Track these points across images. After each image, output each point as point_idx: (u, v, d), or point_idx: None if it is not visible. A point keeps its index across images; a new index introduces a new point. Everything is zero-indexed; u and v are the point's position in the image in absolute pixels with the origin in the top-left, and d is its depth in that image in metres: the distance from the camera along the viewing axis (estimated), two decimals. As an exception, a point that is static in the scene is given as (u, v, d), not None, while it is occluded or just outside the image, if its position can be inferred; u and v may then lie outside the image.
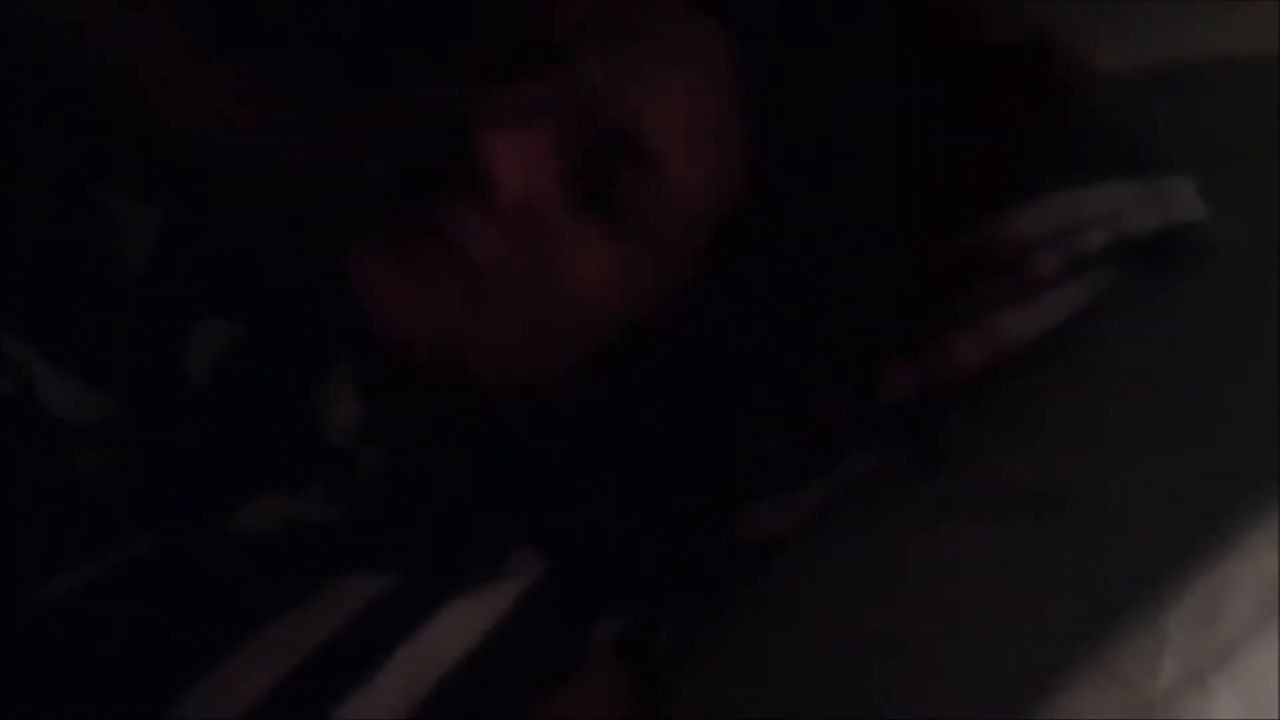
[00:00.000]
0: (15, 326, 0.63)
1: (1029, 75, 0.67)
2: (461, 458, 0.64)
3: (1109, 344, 0.69)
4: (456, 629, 0.58)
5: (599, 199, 0.60)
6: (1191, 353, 0.67)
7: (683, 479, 0.63)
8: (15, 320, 0.63)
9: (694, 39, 0.62)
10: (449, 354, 0.61)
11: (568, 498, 0.64)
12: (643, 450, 0.63)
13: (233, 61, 0.73)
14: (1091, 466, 0.62)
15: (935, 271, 0.64)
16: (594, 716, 0.62)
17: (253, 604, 0.56)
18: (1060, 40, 0.68)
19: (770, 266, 0.61)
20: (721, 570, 0.65)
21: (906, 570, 0.62)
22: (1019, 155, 0.67)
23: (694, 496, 0.64)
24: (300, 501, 0.61)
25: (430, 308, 0.60)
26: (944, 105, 0.64)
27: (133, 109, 0.70)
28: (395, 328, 0.60)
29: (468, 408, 0.64)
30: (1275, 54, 0.78)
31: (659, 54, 0.61)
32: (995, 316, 0.66)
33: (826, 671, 0.60)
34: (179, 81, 0.71)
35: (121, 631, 0.56)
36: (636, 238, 0.61)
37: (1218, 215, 0.71)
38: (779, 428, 0.64)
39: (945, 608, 0.59)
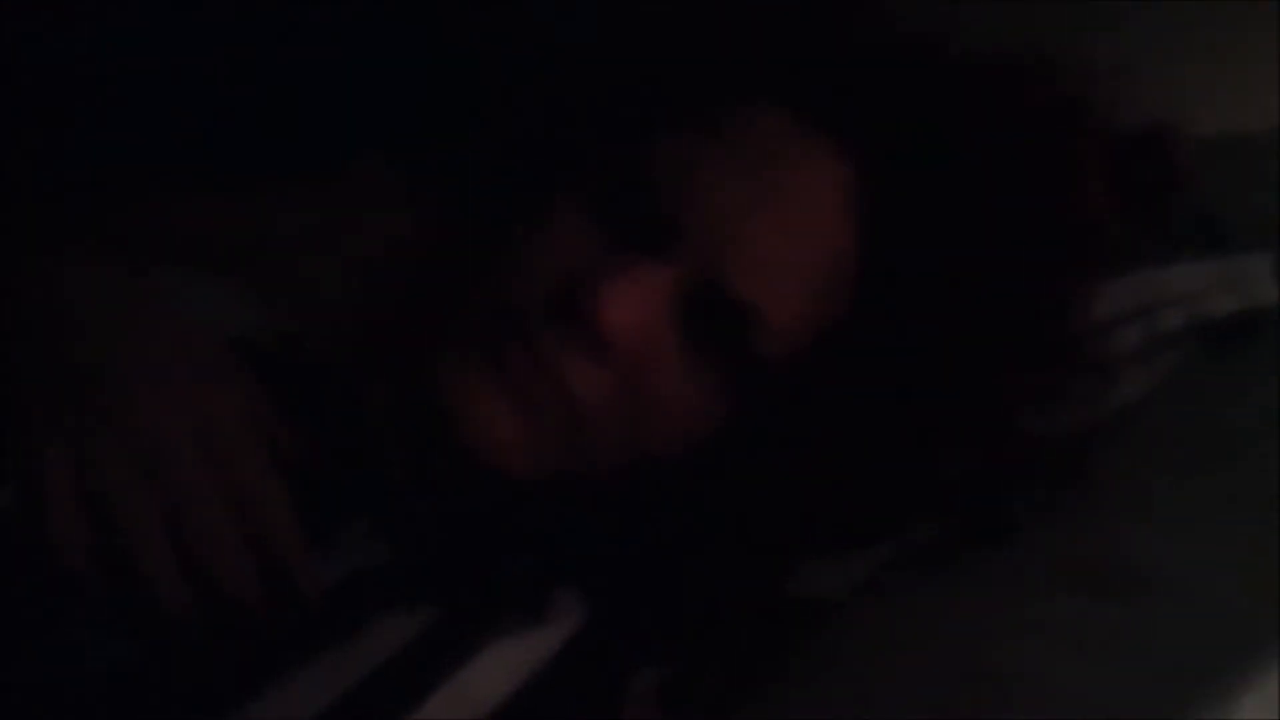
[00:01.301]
0: None
1: (1147, 174, 0.68)
2: (510, 504, 0.64)
3: (1184, 419, 0.69)
4: (497, 671, 0.58)
5: (702, 341, 0.61)
6: (1266, 429, 0.66)
7: (737, 537, 0.63)
8: None
9: (807, 174, 0.63)
10: (537, 470, 0.62)
11: (616, 548, 0.64)
12: (698, 507, 0.63)
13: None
14: (1168, 544, 0.62)
15: (1018, 372, 0.64)
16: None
17: (295, 642, 0.56)
18: (1178, 133, 0.69)
19: (854, 369, 0.62)
20: (771, 626, 0.65)
21: (979, 646, 0.60)
22: (1113, 245, 0.68)
23: (748, 553, 0.64)
24: (347, 544, 0.61)
25: (532, 436, 0.61)
26: (1058, 226, 0.64)
27: None
28: (493, 449, 0.61)
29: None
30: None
31: (773, 198, 0.62)
32: (1071, 400, 0.66)
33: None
34: None
35: (163, 664, 0.56)
36: (734, 371, 0.62)
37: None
38: (840, 494, 0.64)
39: (1012, 684, 0.57)
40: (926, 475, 0.65)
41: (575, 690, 0.61)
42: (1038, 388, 0.65)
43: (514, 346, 0.61)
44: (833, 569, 0.66)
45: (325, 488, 0.60)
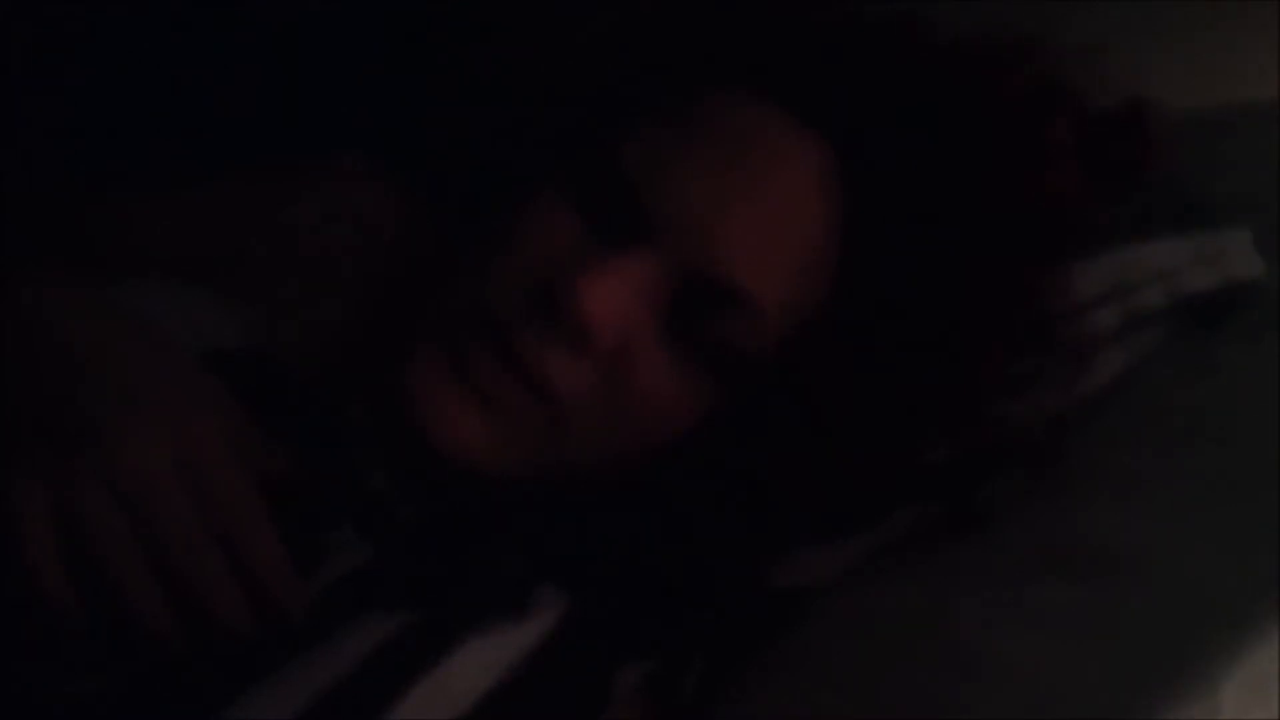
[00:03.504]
0: None
1: (1123, 153, 0.67)
2: (491, 503, 0.63)
3: (1159, 400, 0.68)
4: (475, 666, 0.58)
5: (688, 332, 0.61)
6: (1243, 409, 0.66)
7: (720, 529, 0.63)
8: None
9: (785, 157, 0.62)
10: (514, 471, 0.62)
11: (598, 543, 0.64)
12: (680, 501, 0.63)
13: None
14: (1142, 526, 0.62)
15: (996, 356, 0.64)
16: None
17: (275, 644, 0.56)
18: (1154, 110, 0.68)
19: (832, 358, 0.62)
20: (755, 616, 0.65)
21: (951, 628, 0.61)
22: (1090, 225, 0.68)
23: (731, 545, 0.64)
24: (333, 550, 0.60)
25: (502, 436, 0.61)
26: (1034, 208, 0.64)
27: None
28: (461, 452, 0.61)
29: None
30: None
31: (751, 185, 0.61)
32: (1048, 383, 0.66)
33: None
34: None
35: (141, 668, 0.55)
36: (720, 362, 0.61)
37: (1275, 262, 0.71)
38: (820, 483, 0.63)
39: (990, 667, 0.58)
40: (906, 462, 0.65)
41: (558, 684, 0.60)
42: (1016, 372, 0.65)
43: (481, 346, 0.60)
44: (814, 559, 0.66)
45: (307, 496, 0.60)
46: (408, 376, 0.61)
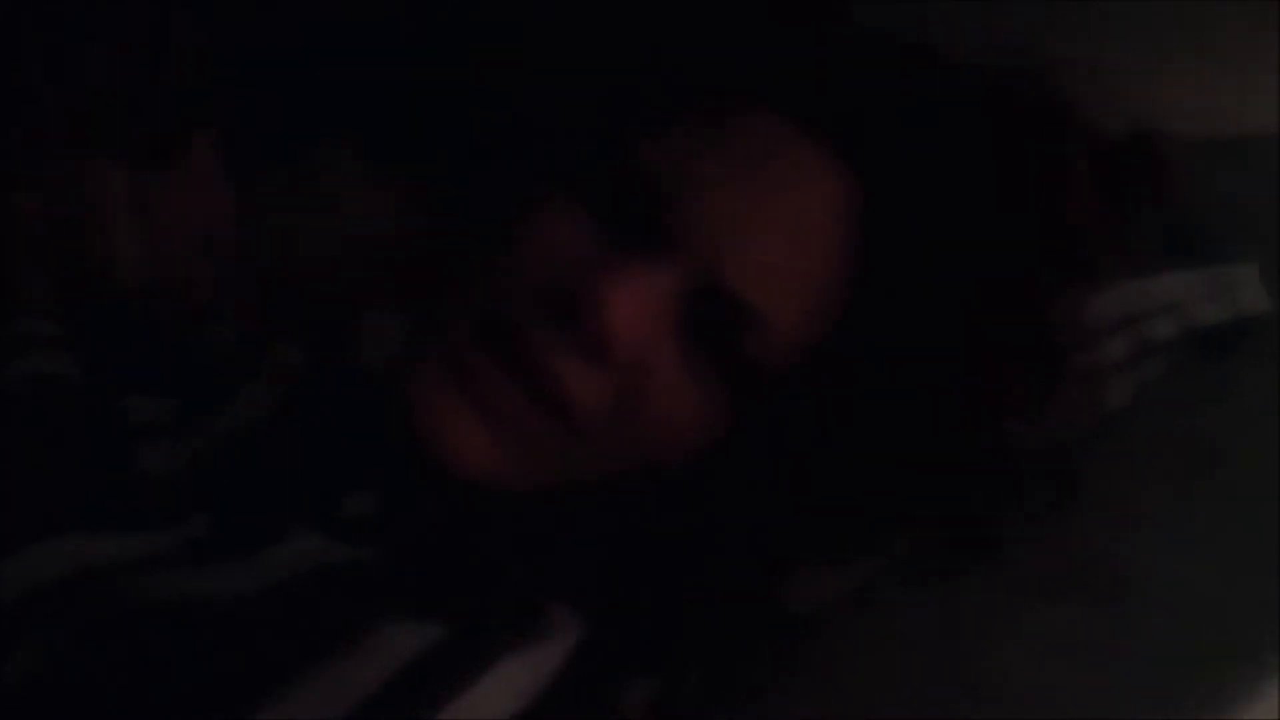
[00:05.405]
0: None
1: (1135, 180, 0.68)
2: (497, 518, 0.62)
3: (1167, 426, 0.69)
4: (505, 691, 0.56)
5: (706, 348, 0.60)
6: (1250, 435, 0.67)
7: (730, 548, 0.62)
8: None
9: (805, 179, 0.62)
10: (520, 485, 0.61)
11: (609, 560, 0.63)
12: (692, 519, 0.62)
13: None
14: (1150, 550, 0.62)
15: (1008, 383, 0.63)
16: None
17: (291, 651, 0.54)
18: (1166, 138, 0.68)
19: (845, 377, 0.61)
20: (762, 636, 0.64)
21: (959, 650, 0.60)
22: (1101, 254, 0.67)
23: (741, 564, 0.63)
24: (332, 540, 0.59)
25: (517, 455, 0.60)
26: (1050, 235, 0.64)
27: None
28: (466, 466, 0.59)
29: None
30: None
31: (770, 203, 0.61)
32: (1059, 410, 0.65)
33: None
34: None
35: (154, 677, 0.53)
36: (736, 379, 0.61)
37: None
38: (832, 506, 0.62)
39: (998, 689, 0.58)
40: (917, 486, 0.64)
41: (571, 704, 0.59)
42: (1027, 400, 0.64)
43: (489, 357, 0.59)
44: (824, 581, 0.65)
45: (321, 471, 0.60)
46: (410, 386, 0.60)
